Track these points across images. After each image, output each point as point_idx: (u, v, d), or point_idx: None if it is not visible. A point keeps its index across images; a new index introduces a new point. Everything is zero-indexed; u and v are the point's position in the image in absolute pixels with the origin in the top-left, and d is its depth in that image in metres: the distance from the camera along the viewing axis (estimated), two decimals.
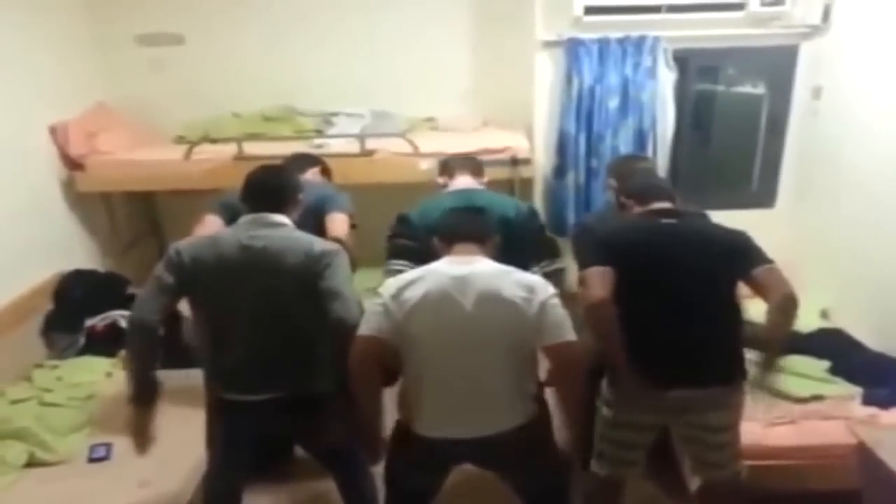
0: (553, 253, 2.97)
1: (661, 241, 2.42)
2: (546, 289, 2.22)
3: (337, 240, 2.73)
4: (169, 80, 4.88)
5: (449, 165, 3.17)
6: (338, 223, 2.95)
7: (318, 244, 2.39)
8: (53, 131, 4.17)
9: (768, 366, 2.46)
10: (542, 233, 3.08)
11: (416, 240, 2.84)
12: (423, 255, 2.47)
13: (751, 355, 2.49)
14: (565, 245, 3.23)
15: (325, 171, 3.40)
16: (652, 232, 2.45)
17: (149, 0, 4.77)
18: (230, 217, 2.67)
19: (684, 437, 2.57)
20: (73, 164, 4.24)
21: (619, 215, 2.80)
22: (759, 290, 2.36)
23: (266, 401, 2.38)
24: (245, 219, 2.43)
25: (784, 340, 2.46)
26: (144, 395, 2.39)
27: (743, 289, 2.44)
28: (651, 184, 2.70)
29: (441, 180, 3.16)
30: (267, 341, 2.36)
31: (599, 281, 2.35)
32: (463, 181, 3.07)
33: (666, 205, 2.53)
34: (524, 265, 2.37)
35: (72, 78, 4.46)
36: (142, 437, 2.43)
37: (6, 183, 3.71)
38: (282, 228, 2.42)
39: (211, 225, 2.90)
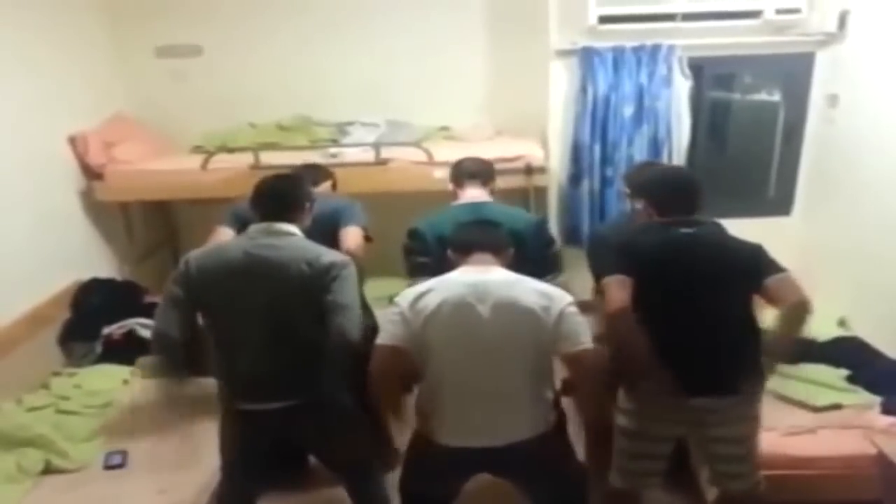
0: (555, 268, 2.95)
1: (678, 250, 2.40)
2: (563, 297, 2.23)
3: (350, 253, 2.74)
4: (187, 91, 4.93)
5: (459, 175, 3.11)
6: (351, 236, 2.94)
7: (326, 255, 2.37)
8: (73, 141, 4.21)
9: (768, 369, 2.43)
10: (550, 247, 3.06)
11: (429, 253, 2.84)
12: (439, 270, 2.46)
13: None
14: (579, 254, 3.22)
15: (334, 186, 3.39)
16: (668, 241, 2.43)
17: (168, 12, 4.82)
18: (241, 226, 2.68)
19: (702, 448, 2.55)
20: (91, 174, 4.28)
21: (634, 221, 2.79)
22: (772, 298, 2.34)
23: (276, 410, 2.38)
24: (253, 228, 2.43)
25: (790, 346, 2.43)
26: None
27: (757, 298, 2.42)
28: (673, 194, 2.65)
29: (451, 187, 3.13)
30: (274, 350, 2.35)
31: (619, 290, 2.33)
32: (472, 193, 3.04)
33: (683, 215, 2.50)
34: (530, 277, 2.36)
35: (92, 88, 4.52)
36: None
37: (26, 192, 3.75)
38: (289, 238, 2.41)
39: (223, 236, 2.92)
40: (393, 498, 2.62)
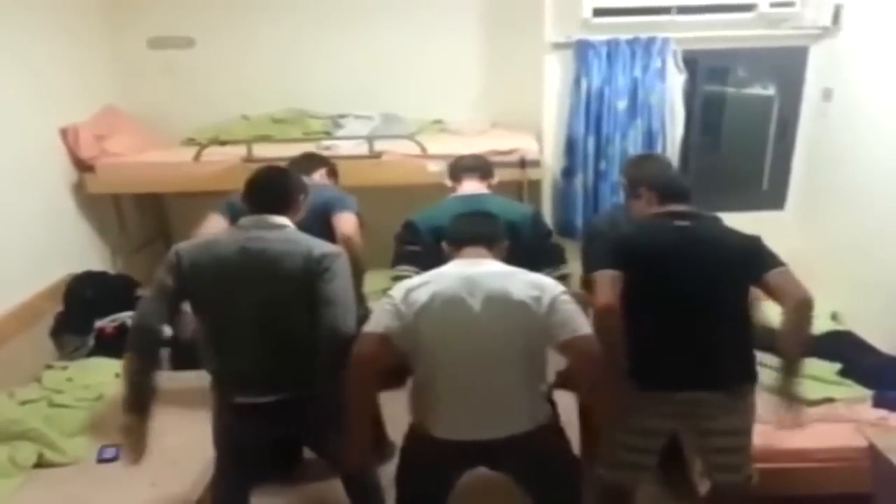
0: (558, 259, 2.95)
1: (675, 243, 2.40)
2: (555, 287, 2.22)
3: (347, 238, 2.73)
4: (179, 83, 4.91)
5: (456, 170, 3.14)
6: (345, 221, 2.93)
7: (318, 247, 2.35)
8: (64, 133, 4.19)
9: (791, 372, 2.38)
10: (548, 238, 3.07)
11: (421, 244, 2.85)
12: (428, 260, 2.46)
13: (768, 360, 2.47)
14: (572, 247, 3.22)
15: (333, 173, 3.39)
16: (666, 234, 2.42)
17: (161, 3, 4.80)
18: (234, 218, 2.67)
19: (695, 440, 2.55)
20: (83, 167, 4.26)
21: (630, 210, 2.78)
22: (773, 293, 2.33)
23: (270, 403, 2.37)
24: (245, 220, 2.41)
25: (803, 344, 2.39)
26: (139, 401, 2.35)
27: (759, 290, 2.42)
28: (674, 183, 2.66)
29: (449, 184, 3.15)
30: (268, 343, 2.34)
31: (608, 286, 2.33)
32: (470, 186, 3.05)
33: (682, 207, 2.51)
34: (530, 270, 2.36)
35: (83, 81, 4.49)
36: (134, 445, 2.39)
37: (17, 185, 3.73)
38: (282, 230, 2.39)
39: (215, 223, 2.92)
40: (389, 491, 2.62)
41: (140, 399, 2.36)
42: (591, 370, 2.17)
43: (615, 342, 2.28)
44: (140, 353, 2.37)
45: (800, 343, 2.37)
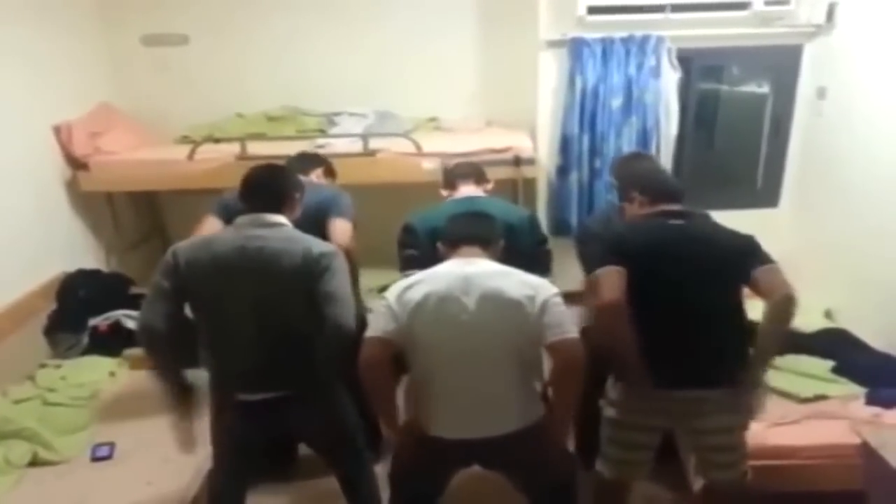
0: (545, 268, 2.96)
1: (670, 242, 2.41)
2: (549, 288, 2.23)
3: (341, 249, 2.73)
4: (173, 81, 4.89)
5: (451, 177, 3.15)
6: (340, 231, 2.91)
7: (317, 246, 2.37)
8: (58, 131, 4.17)
9: (759, 364, 2.42)
10: (542, 245, 3.09)
11: (419, 247, 2.86)
12: (426, 262, 2.47)
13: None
14: (567, 245, 3.23)
15: (330, 172, 3.37)
16: (661, 233, 2.44)
17: (154, 1, 4.77)
18: (229, 217, 2.66)
19: (690, 438, 2.56)
20: (76, 164, 4.24)
21: (622, 212, 2.79)
22: (759, 290, 2.34)
23: (268, 400, 2.38)
24: (242, 219, 2.40)
25: (780, 340, 2.43)
26: (177, 397, 2.42)
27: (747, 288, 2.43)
28: (665, 183, 2.67)
29: (445, 193, 3.15)
30: (266, 341, 2.35)
31: (613, 282, 2.33)
32: (466, 190, 3.06)
33: (674, 206, 2.51)
34: None
35: (77, 78, 4.47)
36: (182, 438, 2.48)
37: (11, 182, 3.72)
38: (279, 229, 2.39)
39: (211, 226, 2.90)
40: (383, 488, 2.63)
41: (175, 394, 2.43)
42: (572, 372, 2.19)
43: (624, 335, 2.30)
44: (153, 353, 2.41)
45: (777, 339, 2.40)
